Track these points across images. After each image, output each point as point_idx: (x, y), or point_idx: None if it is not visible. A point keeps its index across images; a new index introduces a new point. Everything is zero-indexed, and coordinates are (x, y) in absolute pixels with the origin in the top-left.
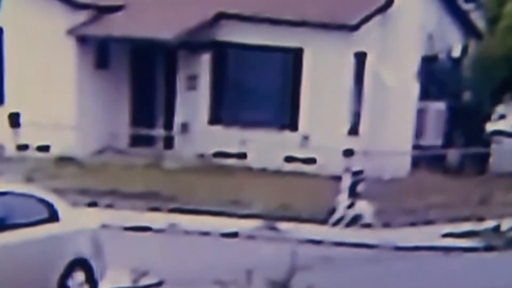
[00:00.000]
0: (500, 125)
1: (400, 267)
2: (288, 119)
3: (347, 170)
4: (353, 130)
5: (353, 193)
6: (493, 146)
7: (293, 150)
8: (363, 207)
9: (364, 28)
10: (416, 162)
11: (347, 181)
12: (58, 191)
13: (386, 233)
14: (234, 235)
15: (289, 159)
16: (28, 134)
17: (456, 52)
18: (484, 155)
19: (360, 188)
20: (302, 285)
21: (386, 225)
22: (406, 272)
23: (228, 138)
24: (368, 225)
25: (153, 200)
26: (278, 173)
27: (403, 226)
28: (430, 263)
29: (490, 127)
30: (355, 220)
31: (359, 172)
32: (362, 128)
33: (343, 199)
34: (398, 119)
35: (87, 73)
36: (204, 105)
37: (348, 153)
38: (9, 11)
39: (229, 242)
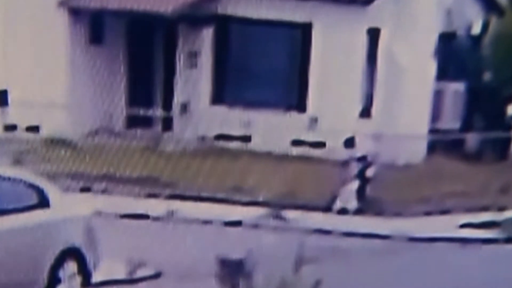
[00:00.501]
0: None
1: (414, 260)
2: (295, 99)
3: (350, 158)
4: (365, 112)
5: (363, 180)
6: None
7: (301, 133)
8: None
9: (377, 2)
10: (432, 147)
11: (353, 169)
12: (48, 175)
13: (399, 223)
14: (238, 224)
15: (296, 143)
16: (17, 114)
17: (476, 29)
18: (505, 139)
19: (369, 173)
20: (309, 278)
21: (399, 214)
22: (420, 265)
23: (231, 119)
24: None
25: (150, 185)
26: (284, 157)
27: (418, 216)
28: (446, 256)
29: None
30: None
31: (364, 158)
32: (374, 110)
33: (350, 188)
34: (413, 101)
35: (80, 48)
36: (206, 84)
37: (349, 143)
38: None
39: (232, 231)
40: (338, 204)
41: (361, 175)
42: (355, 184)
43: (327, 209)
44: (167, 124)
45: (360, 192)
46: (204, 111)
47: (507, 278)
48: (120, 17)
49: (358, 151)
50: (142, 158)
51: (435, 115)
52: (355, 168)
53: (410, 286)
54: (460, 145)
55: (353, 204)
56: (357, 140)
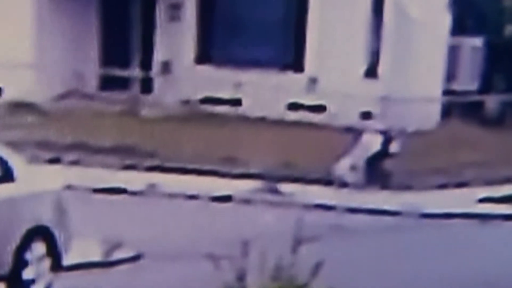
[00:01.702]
0: None
1: (427, 239)
2: (291, 57)
3: (373, 130)
4: (371, 72)
5: (386, 155)
6: None
7: (298, 95)
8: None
9: None
10: (447, 111)
11: (374, 142)
12: (13, 144)
13: (410, 197)
14: (227, 199)
15: (293, 106)
16: None
17: None
18: None
19: (393, 148)
20: (309, 260)
21: (410, 187)
22: (433, 245)
23: (219, 80)
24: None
25: (128, 155)
26: (280, 123)
27: (431, 189)
28: (463, 234)
29: None
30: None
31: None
32: (381, 69)
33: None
34: (425, 58)
35: (47, 1)
36: (190, 39)
37: (366, 115)
38: None
39: (221, 207)
40: (338, 174)
41: (384, 152)
42: (358, 155)
43: (329, 182)
44: (146, 85)
45: (372, 166)
46: (188, 71)
47: None
48: None
49: (377, 123)
50: (118, 124)
51: (450, 74)
52: (376, 142)
53: (422, 268)
54: (479, 109)
55: (352, 176)
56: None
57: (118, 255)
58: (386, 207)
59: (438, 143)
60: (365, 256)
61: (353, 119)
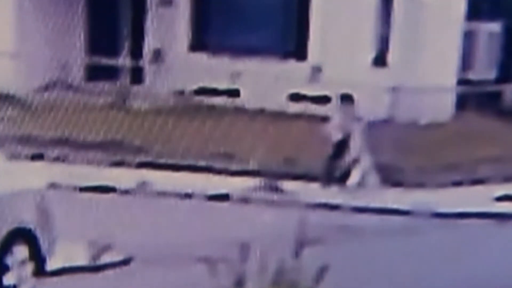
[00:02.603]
0: None
1: (440, 240)
2: (293, 44)
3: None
4: (380, 60)
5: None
6: None
7: (301, 85)
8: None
9: None
10: (462, 102)
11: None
12: None
13: (422, 196)
14: (224, 197)
15: (295, 98)
16: None
17: None
18: None
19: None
20: (313, 264)
21: (421, 185)
22: (447, 247)
23: (215, 69)
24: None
25: (117, 151)
26: (281, 115)
27: (445, 187)
28: (480, 235)
29: None
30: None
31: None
32: (391, 56)
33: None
34: (438, 45)
35: None
36: (183, 25)
37: (347, 99)
38: None
39: (218, 207)
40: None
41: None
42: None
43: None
44: (137, 75)
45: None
46: (181, 60)
47: None
48: None
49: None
50: (105, 117)
51: (466, 62)
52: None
53: (434, 273)
54: (496, 100)
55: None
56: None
57: (106, 259)
58: (395, 206)
59: (452, 136)
60: (373, 260)
61: (361, 111)
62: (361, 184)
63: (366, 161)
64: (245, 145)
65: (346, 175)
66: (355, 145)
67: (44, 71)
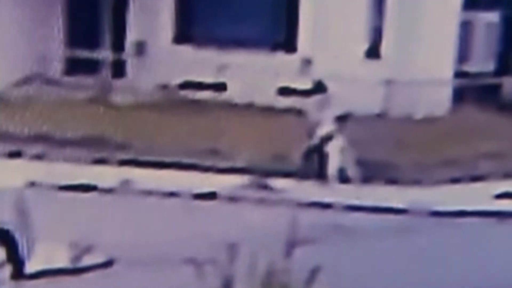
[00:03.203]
0: None
1: (438, 240)
2: (283, 35)
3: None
4: (373, 52)
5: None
6: None
7: (291, 78)
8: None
9: None
10: (459, 95)
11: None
12: None
13: (418, 193)
14: (211, 196)
15: (285, 92)
16: None
17: None
18: None
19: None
20: (305, 264)
21: (418, 182)
22: (445, 247)
23: (200, 62)
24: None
25: (98, 148)
26: (270, 110)
27: (442, 184)
28: (479, 234)
29: None
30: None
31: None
32: (384, 48)
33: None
34: (434, 36)
35: None
36: (167, 16)
37: (319, 88)
38: None
39: (204, 206)
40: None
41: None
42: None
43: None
44: (119, 69)
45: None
46: (165, 52)
47: None
48: None
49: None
50: (86, 113)
51: (463, 54)
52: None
53: (432, 273)
54: (495, 93)
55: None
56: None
57: (88, 260)
58: (391, 204)
59: (450, 131)
60: (367, 260)
61: (354, 105)
62: (337, 177)
63: (345, 155)
64: (233, 141)
65: (321, 168)
66: (326, 133)
67: (22, 65)
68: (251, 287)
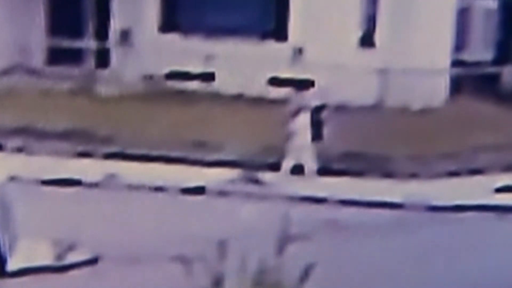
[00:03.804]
0: None
1: (435, 236)
2: (273, 23)
3: (302, 107)
4: (367, 40)
5: (318, 134)
6: None
7: (281, 68)
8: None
9: None
10: (456, 85)
11: (303, 119)
12: None
13: (415, 187)
14: (200, 190)
15: (275, 82)
16: None
17: None
18: None
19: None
20: (297, 261)
21: (414, 175)
22: (443, 243)
23: (187, 51)
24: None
25: (82, 141)
26: (260, 101)
27: (439, 177)
28: (478, 229)
29: None
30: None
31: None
32: (379, 36)
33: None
34: (430, 24)
35: None
36: (153, 4)
37: (304, 85)
38: None
39: (193, 200)
40: (288, 163)
41: (317, 130)
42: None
43: (319, 169)
44: (103, 58)
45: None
46: (151, 41)
47: None
48: None
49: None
50: (69, 104)
51: (460, 42)
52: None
53: (429, 271)
54: (494, 82)
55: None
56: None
57: (72, 258)
58: (387, 199)
59: (447, 122)
60: (363, 257)
61: (347, 96)
62: (295, 171)
63: (305, 147)
64: (222, 133)
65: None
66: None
67: (2, 55)
68: (242, 286)
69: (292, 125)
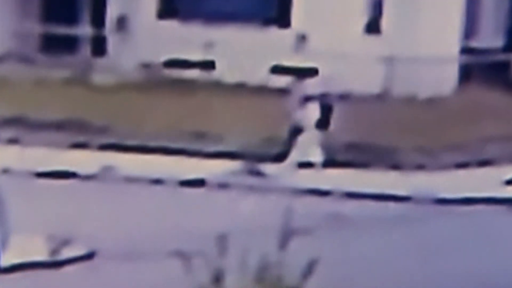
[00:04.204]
0: None
1: (443, 230)
2: (275, 9)
3: (306, 98)
4: (373, 26)
5: (324, 126)
6: None
7: (284, 56)
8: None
9: None
10: (466, 74)
11: (311, 112)
12: None
13: (422, 179)
14: (199, 183)
15: (277, 70)
16: None
17: None
18: None
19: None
20: (300, 257)
21: (421, 167)
22: (451, 237)
23: (186, 38)
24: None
25: (77, 132)
26: (262, 90)
27: (447, 169)
28: (488, 223)
29: None
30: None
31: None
32: (385, 22)
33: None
34: (438, 9)
35: None
36: None
37: (309, 73)
38: None
39: (192, 193)
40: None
41: (323, 122)
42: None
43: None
44: (98, 46)
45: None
46: (149, 28)
47: None
48: None
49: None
50: (65, 93)
51: (470, 28)
52: (312, 112)
53: (437, 266)
54: (505, 70)
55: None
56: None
57: (67, 253)
58: (393, 191)
59: (456, 112)
60: (368, 252)
61: (352, 84)
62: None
63: (310, 138)
64: (222, 123)
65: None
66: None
67: None
68: (243, 282)
69: (297, 115)
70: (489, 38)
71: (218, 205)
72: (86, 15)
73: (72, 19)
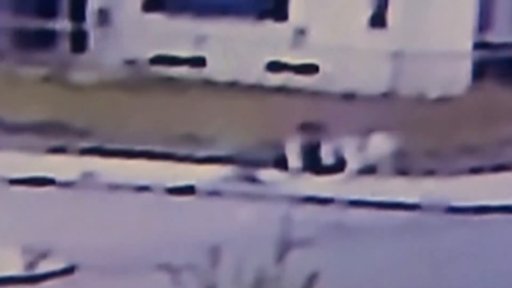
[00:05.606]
0: None
1: (455, 240)
2: (271, 1)
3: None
4: (378, 19)
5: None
6: None
7: (281, 52)
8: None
9: None
10: (479, 70)
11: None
12: None
13: (433, 186)
14: (189, 190)
15: (274, 67)
16: None
17: None
18: None
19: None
20: (300, 270)
21: (432, 172)
22: (464, 248)
23: (175, 33)
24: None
25: (56, 135)
26: (257, 89)
27: (460, 174)
28: (503, 233)
29: None
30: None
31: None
32: (391, 16)
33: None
34: (449, 0)
35: None
36: None
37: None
38: None
39: (181, 202)
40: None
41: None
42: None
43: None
44: (79, 41)
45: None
46: (133, 22)
47: None
48: None
49: None
50: (42, 93)
51: (483, 22)
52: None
53: (449, 279)
54: None
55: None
56: None
57: (45, 267)
58: (401, 199)
59: (469, 113)
60: (373, 265)
61: (356, 83)
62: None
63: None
64: (214, 125)
65: (340, 162)
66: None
67: None
68: None
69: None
70: (505, 32)
71: (210, 215)
72: (64, 7)
73: (49, 11)
